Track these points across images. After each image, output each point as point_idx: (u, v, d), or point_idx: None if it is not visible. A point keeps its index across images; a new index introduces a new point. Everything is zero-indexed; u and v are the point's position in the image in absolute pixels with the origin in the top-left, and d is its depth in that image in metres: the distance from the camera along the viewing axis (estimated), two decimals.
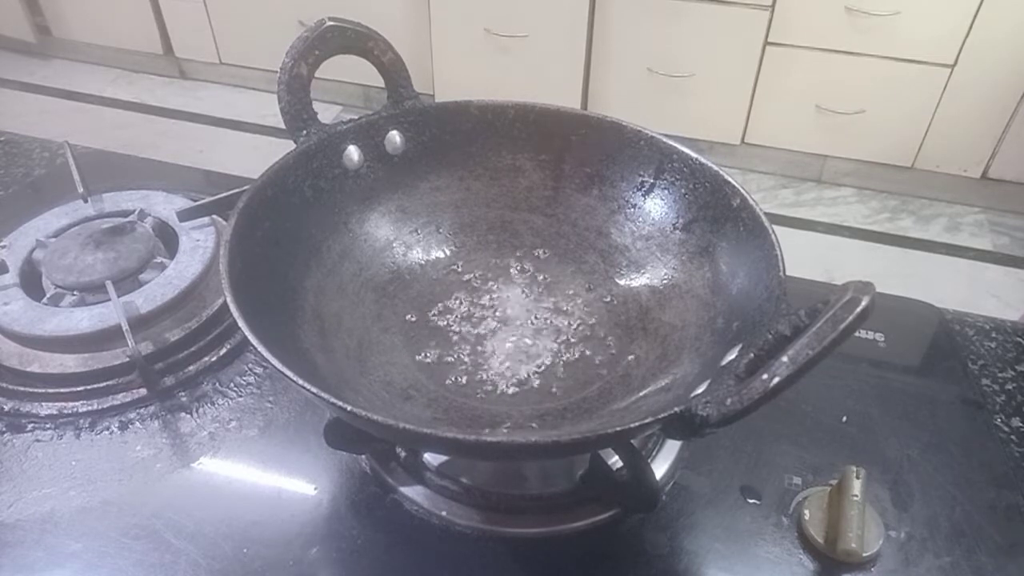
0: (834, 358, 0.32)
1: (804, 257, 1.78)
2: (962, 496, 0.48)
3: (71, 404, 0.52)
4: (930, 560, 0.44)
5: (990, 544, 0.45)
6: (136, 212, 0.65)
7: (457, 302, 0.53)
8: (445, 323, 0.52)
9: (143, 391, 0.53)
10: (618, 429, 0.35)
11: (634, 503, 0.46)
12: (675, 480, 0.48)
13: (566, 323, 0.52)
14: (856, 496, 0.44)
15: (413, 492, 0.47)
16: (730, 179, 0.48)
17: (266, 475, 0.48)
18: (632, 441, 0.45)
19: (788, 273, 0.42)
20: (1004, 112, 1.83)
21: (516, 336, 0.51)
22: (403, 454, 0.48)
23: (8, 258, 0.60)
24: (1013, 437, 0.52)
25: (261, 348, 0.36)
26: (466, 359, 0.50)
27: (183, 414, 0.52)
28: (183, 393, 0.53)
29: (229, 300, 0.39)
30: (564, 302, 0.53)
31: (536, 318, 0.52)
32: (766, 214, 0.46)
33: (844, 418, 0.53)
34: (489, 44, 2.13)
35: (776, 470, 0.49)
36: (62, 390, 0.53)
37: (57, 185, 0.70)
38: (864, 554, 0.43)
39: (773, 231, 0.44)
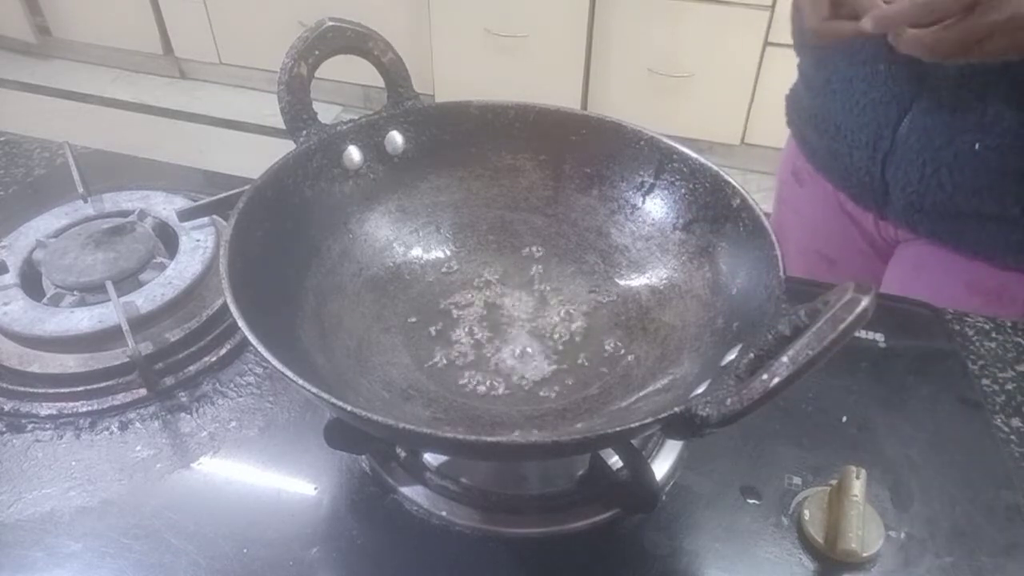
0: (834, 358, 0.32)
1: None
2: (962, 496, 0.48)
3: (71, 404, 0.52)
4: (930, 560, 0.44)
5: (990, 544, 0.45)
6: (136, 212, 0.65)
7: (457, 302, 0.53)
8: (445, 323, 0.52)
9: (143, 391, 0.53)
10: (618, 429, 0.35)
11: (634, 503, 0.46)
12: (675, 480, 0.48)
13: (566, 323, 0.52)
14: (856, 496, 0.44)
15: (413, 492, 0.47)
16: (730, 179, 0.48)
17: (266, 475, 0.48)
18: (632, 441, 0.45)
19: (788, 273, 0.42)
20: None
21: (516, 336, 0.51)
22: (403, 454, 0.48)
23: (8, 258, 0.60)
24: (1013, 437, 0.52)
25: (261, 348, 0.36)
26: (466, 359, 0.50)
27: (183, 414, 0.52)
28: (183, 393, 0.53)
29: (229, 300, 0.39)
30: (564, 302, 0.53)
31: (536, 318, 0.52)
32: (766, 214, 0.46)
33: (844, 418, 0.53)
34: (489, 44, 2.13)
35: (776, 470, 0.49)
36: (62, 390, 0.53)
37: (57, 185, 0.70)
38: (864, 554, 0.43)
39: (773, 231, 0.44)
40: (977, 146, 0.63)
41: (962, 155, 0.64)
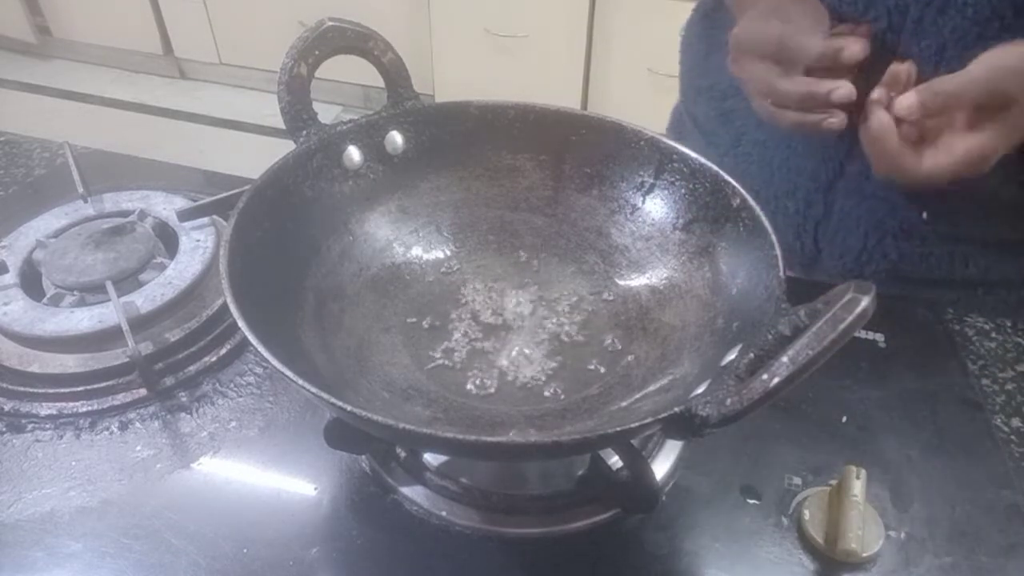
0: (834, 358, 0.32)
1: None
2: (962, 496, 0.48)
3: (71, 404, 0.52)
4: (930, 560, 0.44)
5: (990, 544, 0.45)
6: (136, 212, 0.65)
7: (457, 302, 0.53)
8: (445, 323, 0.52)
9: (143, 391, 0.53)
10: (618, 429, 0.35)
11: (634, 503, 0.46)
12: (675, 480, 0.48)
13: (566, 323, 0.52)
14: (856, 496, 0.44)
15: (413, 492, 0.47)
16: (730, 179, 0.48)
17: (266, 475, 0.48)
18: (632, 441, 0.45)
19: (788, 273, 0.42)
20: None
21: (516, 336, 0.51)
22: (403, 454, 0.48)
23: (8, 258, 0.60)
24: (1013, 437, 0.52)
25: (261, 348, 0.36)
26: (466, 359, 0.50)
27: (183, 414, 0.52)
28: (183, 393, 0.53)
29: (229, 300, 0.39)
30: (564, 302, 0.53)
31: (536, 318, 0.52)
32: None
33: (844, 418, 0.53)
34: (489, 44, 2.13)
35: (776, 470, 0.49)
36: (62, 390, 0.53)
37: (57, 185, 0.70)
38: (864, 554, 0.43)
39: (773, 231, 0.44)
40: (924, 215, 0.57)
41: (909, 223, 0.57)
